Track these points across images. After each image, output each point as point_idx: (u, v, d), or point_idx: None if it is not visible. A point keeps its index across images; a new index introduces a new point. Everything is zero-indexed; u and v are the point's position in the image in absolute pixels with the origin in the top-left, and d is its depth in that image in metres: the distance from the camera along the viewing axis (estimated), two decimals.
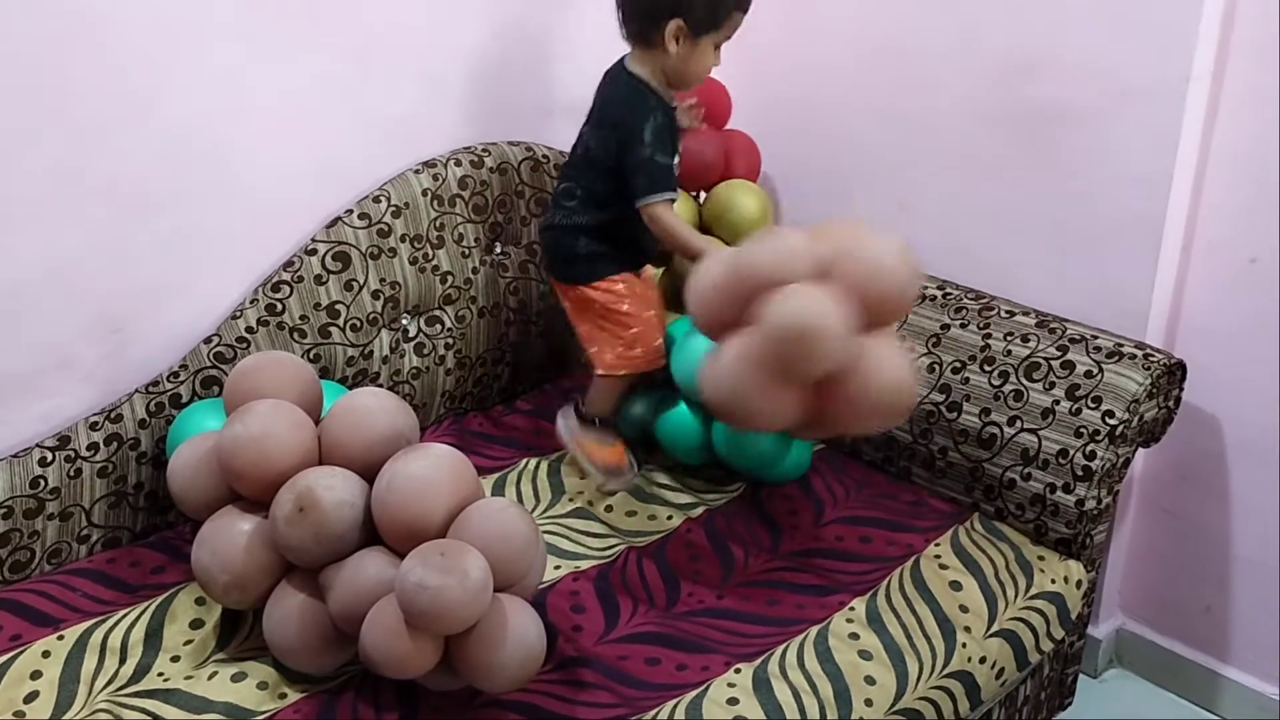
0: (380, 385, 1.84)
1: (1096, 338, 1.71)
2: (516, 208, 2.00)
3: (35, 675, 1.39)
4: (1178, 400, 1.72)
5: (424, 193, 1.89)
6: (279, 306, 1.76)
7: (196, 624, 1.48)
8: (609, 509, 1.74)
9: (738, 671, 1.41)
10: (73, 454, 1.60)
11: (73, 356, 1.62)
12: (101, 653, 1.43)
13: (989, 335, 1.77)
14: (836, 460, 1.86)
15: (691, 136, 2.06)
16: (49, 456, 1.58)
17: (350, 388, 1.74)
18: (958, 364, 1.77)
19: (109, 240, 1.61)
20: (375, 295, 1.83)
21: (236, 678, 1.40)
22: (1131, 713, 1.98)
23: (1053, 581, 1.63)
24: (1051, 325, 1.76)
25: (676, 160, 1.70)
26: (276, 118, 1.75)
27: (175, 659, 1.43)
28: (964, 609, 1.55)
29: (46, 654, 1.41)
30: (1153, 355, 1.67)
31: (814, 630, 1.49)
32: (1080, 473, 1.64)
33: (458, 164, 1.93)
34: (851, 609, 1.53)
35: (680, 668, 1.42)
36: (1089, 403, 1.65)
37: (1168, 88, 1.68)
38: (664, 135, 1.65)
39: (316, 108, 1.79)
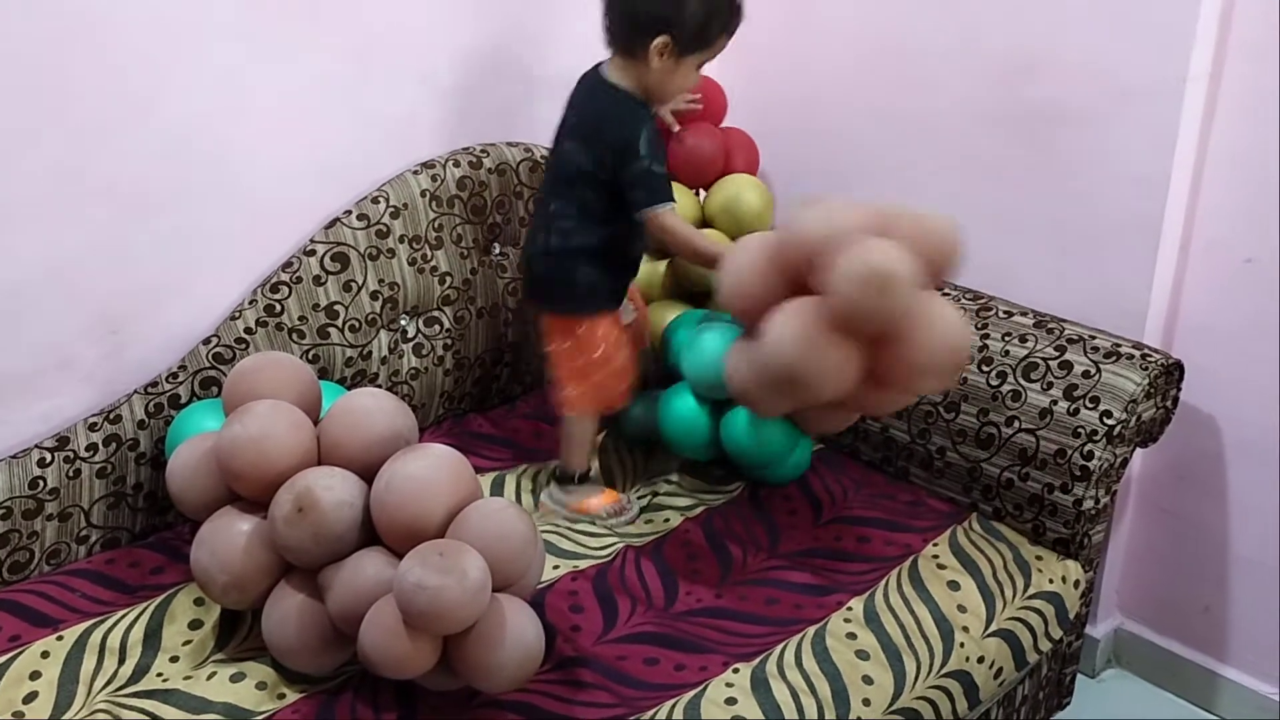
0: (379, 386, 1.84)
1: (1094, 338, 1.71)
2: (515, 209, 2.01)
3: (34, 676, 1.39)
4: (1175, 400, 1.72)
5: (423, 193, 1.89)
6: (278, 307, 1.76)
7: (195, 624, 1.48)
8: None
9: (736, 671, 1.41)
10: (72, 454, 1.60)
11: (72, 357, 1.62)
12: (100, 653, 1.43)
13: (987, 335, 1.77)
14: (835, 460, 1.86)
15: (691, 132, 2.07)
16: (48, 457, 1.58)
17: (349, 388, 1.75)
18: None
19: (109, 240, 1.62)
20: (374, 296, 1.84)
21: (235, 678, 1.40)
22: (1130, 713, 1.98)
23: (1051, 581, 1.64)
24: (1049, 325, 1.76)
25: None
26: (276, 118, 1.75)
27: (174, 659, 1.43)
28: (962, 609, 1.55)
29: (45, 654, 1.41)
30: (1150, 355, 1.67)
31: (812, 630, 1.49)
32: (1078, 473, 1.64)
33: (456, 165, 1.94)
34: (849, 609, 1.53)
35: (678, 668, 1.42)
36: (1087, 403, 1.65)
37: (1166, 88, 1.68)
38: (657, 143, 1.64)
39: (316, 108, 1.79)
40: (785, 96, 2.18)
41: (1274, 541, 1.82)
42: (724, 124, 2.16)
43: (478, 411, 1.99)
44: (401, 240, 1.86)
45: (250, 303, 1.75)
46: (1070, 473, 1.65)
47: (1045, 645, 1.62)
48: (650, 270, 2.04)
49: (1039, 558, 1.67)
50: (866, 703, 1.40)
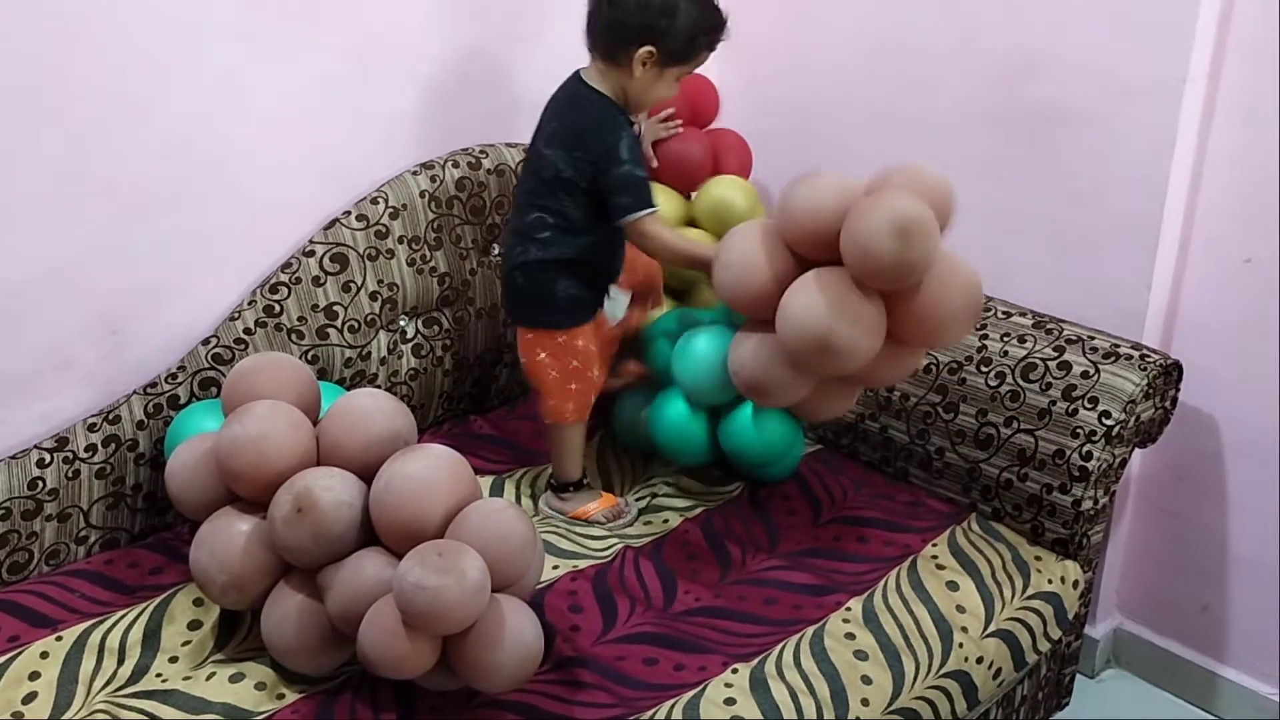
0: (378, 386, 1.84)
1: (1093, 338, 1.71)
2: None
3: (34, 676, 1.39)
4: (1174, 400, 1.72)
5: (422, 194, 1.89)
6: (277, 308, 1.76)
7: (195, 625, 1.48)
8: None
9: (735, 671, 1.41)
10: (71, 455, 1.60)
11: (72, 357, 1.62)
12: (100, 653, 1.43)
13: (986, 336, 1.77)
14: (834, 460, 1.87)
15: (678, 137, 2.06)
16: (47, 458, 1.58)
17: (348, 389, 1.75)
18: (954, 364, 1.77)
19: (109, 240, 1.62)
20: (373, 297, 1.84)
21: (235, 678, 1.40)
22: (1129, 713, 1.98)
23: (1050, 582, 1.64)
24: (1048, 326, 1.76)
25: None
26: (276, 118, 1.75)
27: (173, 660, 1.43)
28: (961, 609, 1.55)
29: (45, 655, 1.41)
30: (1149, 356, 1.67)
31: (811, 630, 1.49)
32: (1077, 473, 1.64)
33: (455, 166, 1.94)
34: (848, 609, 1.53)
35: (678, 668, 1.42)
36: (1085, 403, 1.65)
37: (1165, 88, 1.68)
38: (636, 149, 1.63)
39: (316, 108, 1.79)
40: (784, 97, 2.18)
41: (1273, 541, 1.82)
42: (717, 125, 2.15)
43: (477, 413, 1.99)
44: (401, 241, 1.86)
45: (249, 303, 1.75)
46: (1069, 473, 1.65)
47: (1044, 645, 1.62)
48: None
49: (1038, 558, 1.67)
50: (865, 703, 1.40)
